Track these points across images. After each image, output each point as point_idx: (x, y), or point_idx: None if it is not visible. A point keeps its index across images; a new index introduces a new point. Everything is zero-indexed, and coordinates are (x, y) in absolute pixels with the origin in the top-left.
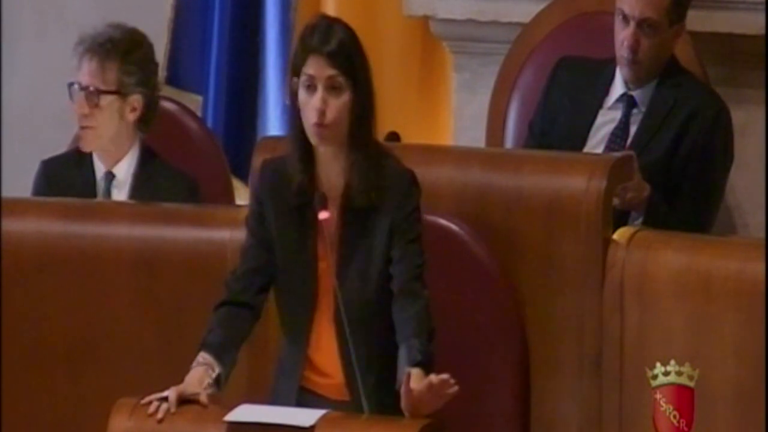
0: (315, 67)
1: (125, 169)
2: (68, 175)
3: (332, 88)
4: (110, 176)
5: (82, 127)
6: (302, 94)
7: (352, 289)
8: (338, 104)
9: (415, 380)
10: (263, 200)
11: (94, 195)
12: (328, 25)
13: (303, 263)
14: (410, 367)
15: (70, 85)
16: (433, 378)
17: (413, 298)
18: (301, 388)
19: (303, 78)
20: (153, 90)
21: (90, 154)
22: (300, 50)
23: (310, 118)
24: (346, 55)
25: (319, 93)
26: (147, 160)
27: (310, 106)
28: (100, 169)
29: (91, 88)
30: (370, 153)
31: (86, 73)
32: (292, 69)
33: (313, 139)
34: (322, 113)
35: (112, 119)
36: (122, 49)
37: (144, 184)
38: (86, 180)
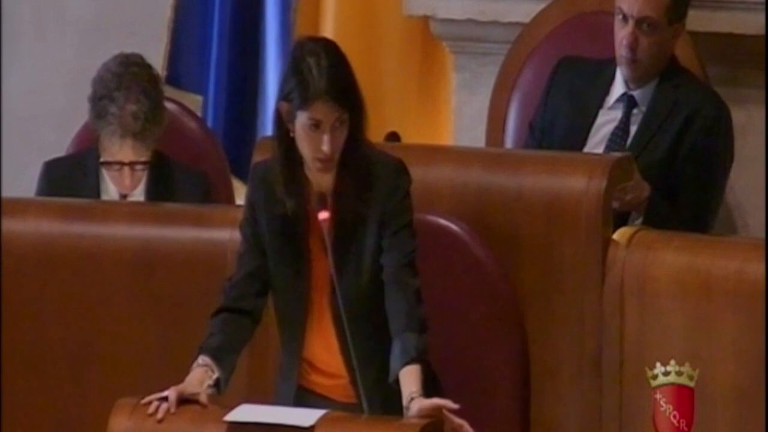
0: (324, 112)
1: (139, 189)
2: (72, 179)
3: (339, 124)
4: (123, 196)
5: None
6: (303, 131)
7: (348, 285)
8: (342, 137)
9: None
10: (254, 204)
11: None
12: (327, 59)
13: (296, 264)
14: (404, 365)
15: (104, 163)
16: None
17: (402, 288)
18: (304, 389)
19: (309, 121)
20: (163, 119)
21: (95, 158)
22: (302, 89)
23: (314, 153)
24: (348, 91)
25: (328, 135)
26: (157, 163)
27: (315, 145)
28: (111, 188)
29: (133, 166)
30: (358, 155)
31: (125, 153)
32: (282, 93)
33: (314, 170)
34: (330, 151)
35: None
36: (150, 119)
37: (157, 186)
38: (91, 185)
